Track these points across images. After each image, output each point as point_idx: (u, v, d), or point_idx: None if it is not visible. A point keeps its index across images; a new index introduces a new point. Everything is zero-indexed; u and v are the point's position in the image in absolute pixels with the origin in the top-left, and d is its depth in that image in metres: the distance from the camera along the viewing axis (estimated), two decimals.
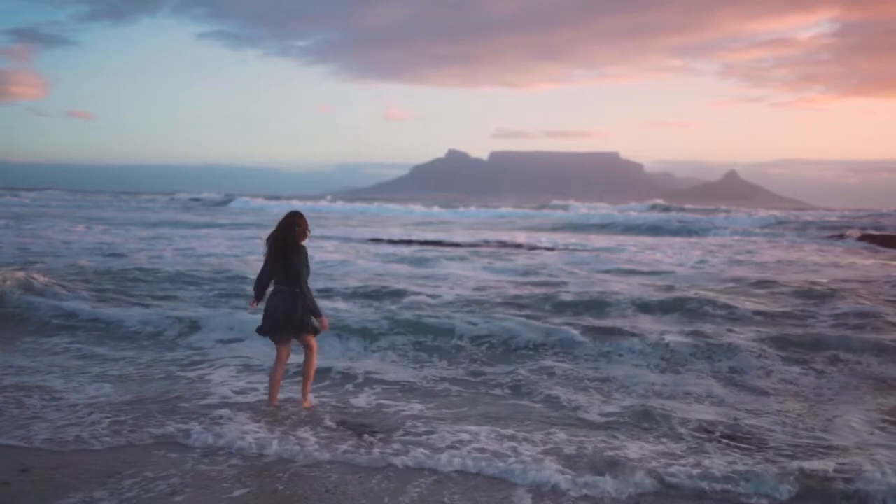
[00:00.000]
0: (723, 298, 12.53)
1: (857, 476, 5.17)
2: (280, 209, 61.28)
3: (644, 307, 11.98)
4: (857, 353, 8.94)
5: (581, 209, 65.41)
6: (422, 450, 5.78)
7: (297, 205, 66.83)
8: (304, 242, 6.80)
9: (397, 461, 5.58)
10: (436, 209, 65.13)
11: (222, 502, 4.90)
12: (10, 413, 6.58)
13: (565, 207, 69.71)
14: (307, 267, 6.70)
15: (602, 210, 63.37)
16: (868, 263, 21.60)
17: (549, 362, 8.63)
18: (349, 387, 7.72)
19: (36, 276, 12.68)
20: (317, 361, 7.02)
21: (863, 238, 31.85)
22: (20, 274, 12.35)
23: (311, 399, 6.99)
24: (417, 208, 65.59)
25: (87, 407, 6.81)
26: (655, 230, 40.21)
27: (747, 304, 12.21)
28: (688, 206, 75.20)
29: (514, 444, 5.92)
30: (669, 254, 24.08)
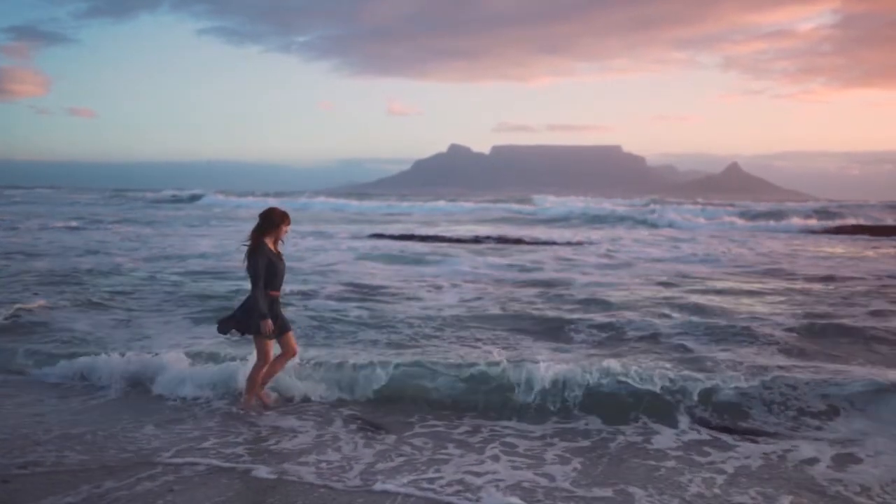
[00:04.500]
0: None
1: None
2: (236, 205, 61.29)
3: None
4: None
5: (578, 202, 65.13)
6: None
7: (273, 202, 66.72)
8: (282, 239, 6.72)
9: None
10: (421, 203, 65.90)
11: (220, 497, 4.94)
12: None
13: (528, 201, 70.28)
14: (258, 267, 6.48)
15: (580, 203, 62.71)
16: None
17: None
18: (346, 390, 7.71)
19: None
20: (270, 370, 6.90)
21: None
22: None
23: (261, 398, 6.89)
24: (404, 204, 66.29)
25: (89, 405, 6.84)
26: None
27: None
28: (681, 199, 75.41)
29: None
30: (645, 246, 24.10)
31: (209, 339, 9.13)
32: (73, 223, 32.69)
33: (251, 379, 6.81)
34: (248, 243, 6.59)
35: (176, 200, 70.96)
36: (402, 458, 5.66)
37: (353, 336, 9.56)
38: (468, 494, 5.01)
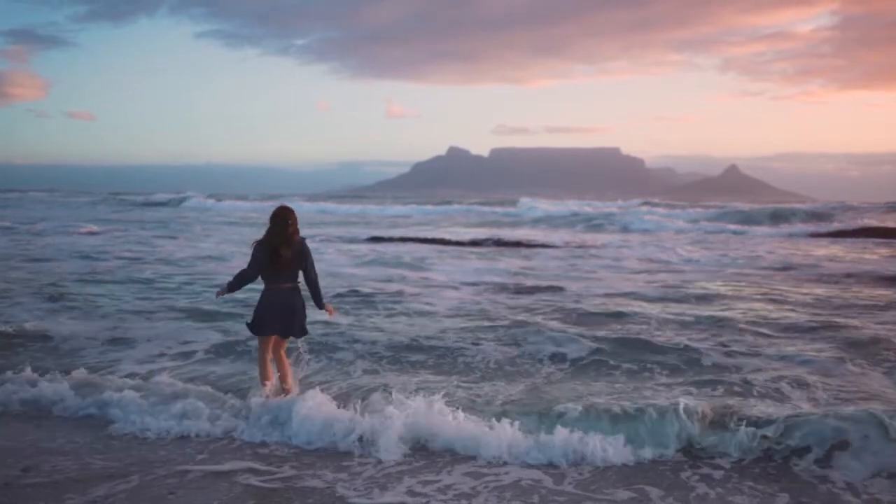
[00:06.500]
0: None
1: None
2: (222, 208, 61.30)
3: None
4: None
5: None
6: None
7: (264, 205, 66.69)
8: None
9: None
10: (415, 205, 65.97)
11: (220, 501, 4.94)
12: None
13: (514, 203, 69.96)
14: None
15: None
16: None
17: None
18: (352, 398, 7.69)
19: None
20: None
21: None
22: None
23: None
24: (394, 207, 66.35)
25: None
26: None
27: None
28: (680, 201, 75.47)
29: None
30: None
31: (200, 345, 9.14)
32: (67, 228, 32.33)
33: (283, 375, 6.79)
34: (289, 243, 6.53)
35: (161, 204, 70.77)
36: (423, 462, 5.67)
37: (351, 337, 9.53)
38: (462, 501, 5.01)
